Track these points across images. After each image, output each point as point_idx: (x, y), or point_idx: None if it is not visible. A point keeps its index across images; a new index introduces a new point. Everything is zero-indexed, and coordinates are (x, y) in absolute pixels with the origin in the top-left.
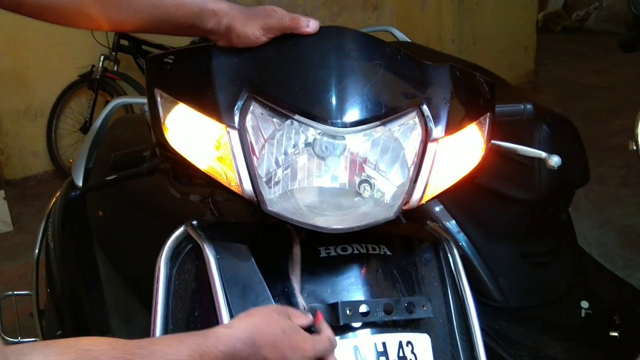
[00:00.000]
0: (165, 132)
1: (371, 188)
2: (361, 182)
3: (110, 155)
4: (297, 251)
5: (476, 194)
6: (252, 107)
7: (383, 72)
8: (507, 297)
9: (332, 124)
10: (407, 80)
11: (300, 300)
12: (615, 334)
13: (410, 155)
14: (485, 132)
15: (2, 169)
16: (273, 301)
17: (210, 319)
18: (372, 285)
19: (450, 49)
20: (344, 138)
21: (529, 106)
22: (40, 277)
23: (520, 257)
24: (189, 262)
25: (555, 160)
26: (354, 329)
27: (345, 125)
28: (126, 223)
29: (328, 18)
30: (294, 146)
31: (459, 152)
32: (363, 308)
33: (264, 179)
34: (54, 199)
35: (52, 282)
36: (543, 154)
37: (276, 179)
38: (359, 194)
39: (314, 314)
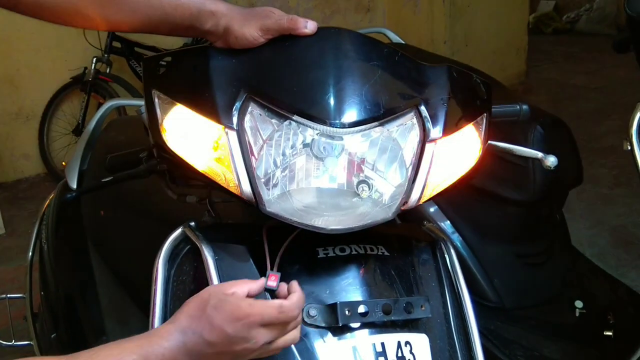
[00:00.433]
0: (163, 134)
1: (369, 188)
2: (359, 182)
3: (105, 157)
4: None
5: (471, 194)
6: (250, 107)
7: (381, 73)
8: (501, 297)
9: (331, 125)
10: (405, 81)
11: None
12: (609, 333)
13: (408, 155)
14: (482, 133)
15: None
16: None
17: None
18: (370, 285)
19: (443, 51)
20: (342, 139)
21: (525, 107)
22: (34, 280)
23: (514, 258)
24: (187, 263)
25: (551, 161)
26: (353, 330)
27: (343, 126)
28: (122, 225)
29: (321, 20)
30: (292, 147)
31: (457, 152)
32: (362, 308)
33: (263, 180)
34: (48, 201)
35: (46, 285)
36: (539, 154)
37: (275, 180)
38: (357, 195)
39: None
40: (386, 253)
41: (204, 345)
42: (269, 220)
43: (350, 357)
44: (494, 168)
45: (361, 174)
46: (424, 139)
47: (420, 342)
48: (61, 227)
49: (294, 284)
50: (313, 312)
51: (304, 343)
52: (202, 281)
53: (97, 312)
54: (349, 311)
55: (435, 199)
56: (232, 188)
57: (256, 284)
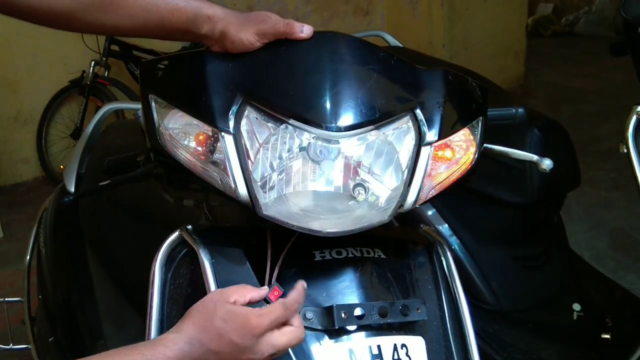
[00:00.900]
0: (160, 137)
1: (365, 192)
2: (355, 185)
3: (103, 161)
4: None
5: (468, 197)
6: (246, 111)
7: (377, 77)
8: (499, 300)
9: (327, 128)
10: (401, 84)
11: None
12: (607, 336)
13: (404, 159)
14: (478, 136)
15: None
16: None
17: None
18: (366, 288)
19: (441, 54)
20: (338, 142)
21: (520, 110)
22: (32, 283)
23: (512, 260)
24: (184, 266)
25: (547, 163)
26: (349, 332)
27: (339, 130)
28: (119, 228)
29: (319, 24)
30: (289, 150)
31: (452, 155)
32: (358, 311)
33: (259, 183)
34: (45, 204)
35: (44, 289)
36: (535, 157)
37: (271, 183)
38: (354, 198)
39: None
40: (382, 256)
41: (210, 355)
42: (266, 223)
43: (347, 359)
44: (491, 171)
45: (357, 177)
46: (420, 142)
47: (416, 345)
48: (59, 230)
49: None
50: (310, 315)
51: (300, 346)
52: (198, 285)
53: (95, 316)
54: (345, 314)
55: (432, 202)
56: (229, 191)
57: (258, 294)
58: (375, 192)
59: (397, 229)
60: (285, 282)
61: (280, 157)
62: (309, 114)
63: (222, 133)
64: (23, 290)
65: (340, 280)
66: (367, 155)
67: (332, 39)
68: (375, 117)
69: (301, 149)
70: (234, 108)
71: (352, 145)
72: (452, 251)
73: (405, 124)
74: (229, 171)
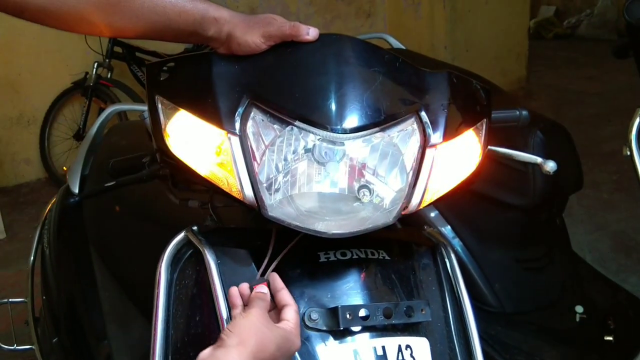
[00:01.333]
0: (166, 139)
1: (370, 193)
2: (360, 187)
3: (107, 162)
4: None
5: (471, 199)
6: (252, 113)
7: (382, 79)
8: (502, 302)
9: (332, 130)
10: (406, 86)
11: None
12: (610, 338)
13: (409, 160)
14: (482, 138)
15: None
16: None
17: (211, 324)
18: (371, 289)
19: (443, 56)
20: (343, 144)
21: (524, 112)
22: (36, 284)
23: (514, 262)
24: (189, 267)
25: (550, 166)
26: (354, 333)
27: (344, 132)
28: (124, 229)
29: (321, 25)
30: (294, 152)
31: (457, 157)
32: (362, 312)
33: (265, 185)
34: (49, 205)
35: (48, 290)
36: (539, 159)
37: (276, 185)
38: (358, 199)
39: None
40: (387, 257)
41: None
42: (271, 224)
43: None
44: (494, 173)
45: (362, 179)
46: (425, 144)
47: (420, 346)
48: (63, 231)
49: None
50: (314, 316)
51: (305, 347)
52: (204, 285)
53: (99, 317)
54: (350, 315)
55: (436, 204)
56: (235, 193)
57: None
58: (380, 193)
59: (401, 231)
60: (291, 283)
61: (285, 159)
62: (314, 115)
63: (228, 134)
64: (27, 290)
65: (345, 282)
66: (372, 157)
67: (337, 41)
68: (381, 119)
69: (306, 150)
70: (240, 110)
71: (357, 147)
72: (456, 253)
73: (410, 126)
74: (235, 172)
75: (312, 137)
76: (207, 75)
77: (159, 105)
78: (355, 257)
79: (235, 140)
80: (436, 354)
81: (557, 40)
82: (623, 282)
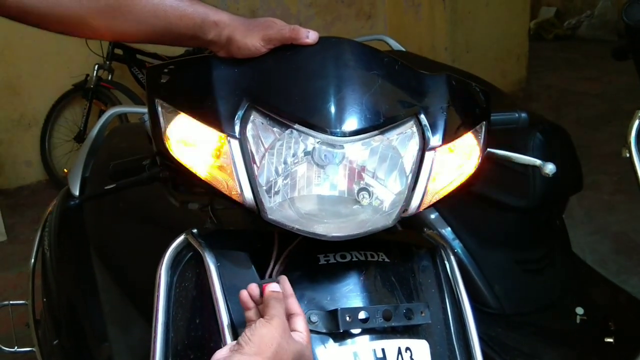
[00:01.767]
0: (166, 142)
1: (370, 196)
2: (360, 190)
3: (108, 165)
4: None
5: (471, 201)
6: (252, 116)
7: (381, 82)
8: (502, 303)
9: (331, 133)
10: (405, 89)
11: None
12: (610, 339)
13: (408, 163)
14: (482, 140)
15: None
16: None
17: (211, 327)
18: (370, 292)
19: (444, 58)
20: (342, 147)
21: (523, 114)
22: (36, 286)
23: (514, 264)
24: (189, 270)
25: (550, 168)
26: (353, 336)
27: (344, 135)
28: (124, 232)
29: (322, 27)
30: (294, 155)
31: (456, 160)
32: (362, 314)
33: (264, 188)
34: (50, 208)
35: (49, 292)
36: (538, 162)
37: (276, 188)
38: (358, 202)
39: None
40: (386, 259)
41: None
42: (271, 227)
43: None
44: (494, 175)
45: (361, 182)
46: (424, 147)
47: (420, 348)
48: (63, 234)
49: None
50: (314, 318)
51: None
52: (204, 288)
53: (100, 319)
54: (349, 317)
55: (436, 206)
56: (234, 196)
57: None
58: (380, 196)
59: (400, 233)
60: (290, 285)
61: (285, 162)
62: (313, 119)
63: (228, 138)
64: (27, 293)
65: (345, 284)
66: (372, 159)
67: (337, 44)
68: (380, 122)
69: (306, 153)
70: (240, 113)
71: (357, 150)
72: (455, 255)
73: (409, 129)
74: (234, 175)
75: (312, 140)
76: (207, 79)
77: (159, 109)
78: (354, 259)
79: (235, 144)
80: (436, 356)
81: (558, 42)
82: (623, 283)
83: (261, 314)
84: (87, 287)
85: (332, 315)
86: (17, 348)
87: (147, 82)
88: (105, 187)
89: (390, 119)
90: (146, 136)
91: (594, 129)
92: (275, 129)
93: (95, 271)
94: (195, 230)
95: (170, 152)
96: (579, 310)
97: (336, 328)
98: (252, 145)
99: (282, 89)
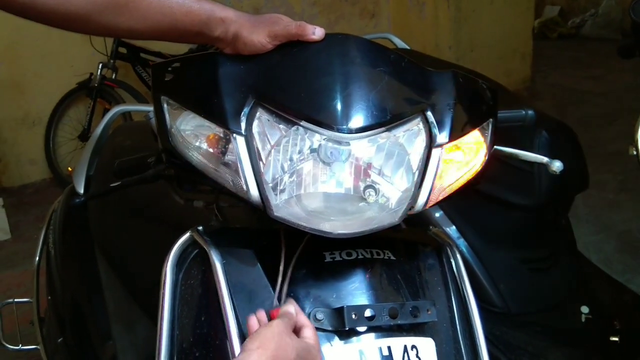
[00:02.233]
0: (171, 139)
1: (376, 193)
2: (366, 187)
3: (112, 163)
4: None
5: (476, 199)
6: (258, 113)
7: (387, 79)
8: (507, 302)
9: (338, 130)
10: (411, 86)
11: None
12: (616, 339)
13: (415, 160)
14: (488, 138)
15: (0, 176)
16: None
17: (216, 324)
18: (376, 289)
19: (448, 56)
20: (349, 144)
21: (530, 112)
22: (41, 284)
23: (520, 263)
24: (195, 267)
25: (557, 165)
26: (359, 333)
27: (350, 132)
28: (129, 230)
29: (325, 26)
30: (300, 152)
31: (463, 157)
32: (368, 312)
33: (270, 185)
34: (54, 206)
35: (53, 290)
36: (545, 159)
37: (282, 185)
38: (364, 199)
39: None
40: (392, 257)
41: None
42: (277, 224)
43: None
44: (499, 173)
45: (368, 179)
46: (431, 144)
47: (426, 346)
48: (68, 231)
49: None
50: (320, 316)
51: None
52: (210, 286)
53: (104, 317)
54: (355, 315)
55: (442, 204)
56: (241, 193)
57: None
58: (386, 193)
59: (406, 231)
60: (296, 283)
61: (291, 159)
62: (320, 115)
63: (234, 135)
64: (32, 291)
65: (351, 282)
66: (378, 157)
67: (343, 41)
68: (386, 119)
69: (312, 150)
70: (246, 110)
71: (363, 147)
72: (461, 253)
73: (416, 126)
74: (240, 172)
75: (318, 137)
76: (213, 76)
77: (165, 106)
78: (360, 257)
79: (241, 140)
80: (442, 354)
81: (562, 40)
82: (629, 282)
83: None
84: (91, 285)
85: (338, 313)
86: (22, 346)
87: (153, 80)
88: (110, 185)
89: (397, 115)
90: (151, 134)
91: (599, 128)
92: (281, 126)
93: (99, 269)
94: (200, 228)
95: (176, 149)
96: (584, 309)
97: (342, 326)
98: (258, 142)
99: (288, 85)
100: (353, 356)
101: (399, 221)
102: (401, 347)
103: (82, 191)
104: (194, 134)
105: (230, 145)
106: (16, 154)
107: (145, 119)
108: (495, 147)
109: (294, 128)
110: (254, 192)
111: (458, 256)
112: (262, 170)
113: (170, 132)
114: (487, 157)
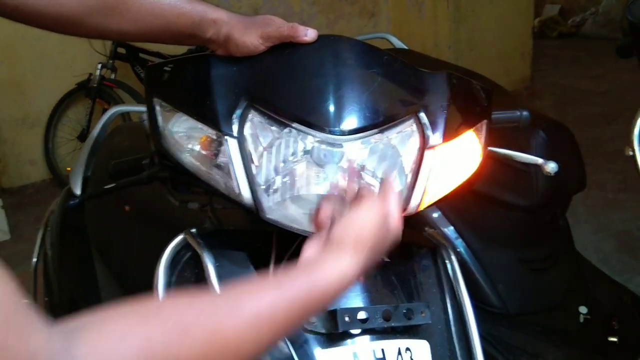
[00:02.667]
0: (164, 141)
1: None
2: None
3: (109, 164)
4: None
5: (474, 200)
6: (250, 115)
7: (380, 80)
8: (505, 303)
9: (330, 132)
10: (405, 87)
11: None
12: (614, 339)
13: (408, 162)
14: (483, 139)
15: (0, 177)
16: None
17: None
18: (370, 291)
19: (447, 56)
20: (342, 146)
21: (525, 113)
22: (38, 285)
23: (518, 263)
24: (188, 270)
25: (551, 167)
26: (353, 336)
27: (343, 133)
28: (125, 231)
29: (325, 25)
30: (293, 154)
31: (457, 159)
32: (362, 315)
33: (263, 187)
34: (52, 207)
35: (51, 291)
36: (539, 160)
37: (275, 187)
38: None
39: None
40: (386, 259)
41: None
42: (270, 227)
43: None
44: (497, 174)
45: (361, 181)
46: (424, 145)
47: (420, 348)
48: (65, 233)
49: None
50: (313, 319)
51: (303, 349)
52: (203, 287)
53: None
54: (349, 317)
55: (438, 205)
56: (233, 195)
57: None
58: None
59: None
60: None
61: (284, 161)
62: (312, 117)
63: (226, 137)
64: (30, 292)
65: None
66: (371, 158)
67: (336, 42)
68: (379, 120)
69: (305, 152)
70: (238, 112)
71: (356, 149)
72: (458, 254)
73: (409, 128)
74: (232, 175)
75: (311, 139)
76: (205, 77)
77: (157, 108)
78: None
79: (233, 143)
80: (436, 356)
81: (562, 39)
82: (628, 282)
83: None
84: (88, 286)
85: (331, 316)
86: None
87: (146, 81)
88: (106, 187)
89: (390, 117)
90: (145, 135)
91: (598, 127)
92: (273, 128)
93: (96, 270)
94: (194, 230)
95: (168, 151)
96: (583, 310)
97: (335, 328)
98: (250, 144)
99: (280, 87)
100: (346, 359)
101: None
102: (395, 350)
103: (79, 192)
104: (186, 136)
105: (223, 148)
106: (16, 155)
107: (140, 120)
108: (490, 148)
109: (287, 130)
110: (246, 194)
111: (453, 257)
112: (255, 173)
113: (162, 134)
114: (481, 159)
